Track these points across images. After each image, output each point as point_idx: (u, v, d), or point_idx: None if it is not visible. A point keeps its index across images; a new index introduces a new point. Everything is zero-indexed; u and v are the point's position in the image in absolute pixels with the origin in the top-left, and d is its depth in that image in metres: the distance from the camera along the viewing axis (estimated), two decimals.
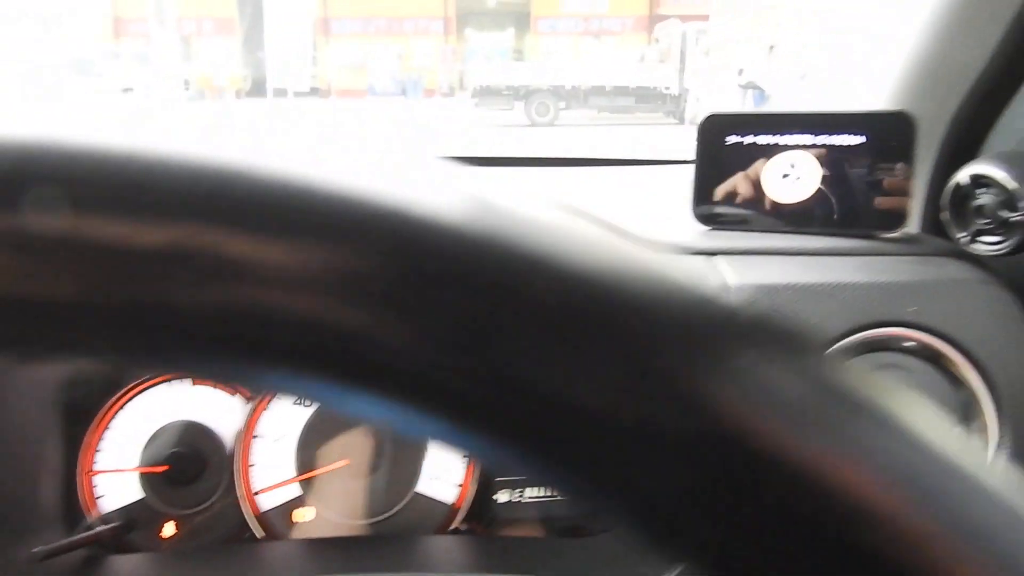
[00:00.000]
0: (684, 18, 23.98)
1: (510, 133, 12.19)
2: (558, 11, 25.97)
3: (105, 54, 18.71)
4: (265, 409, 0.71)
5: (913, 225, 0.81)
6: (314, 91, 9.66)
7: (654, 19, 25.35)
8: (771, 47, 5.75)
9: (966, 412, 0.66)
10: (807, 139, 0.75)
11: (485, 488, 0.74)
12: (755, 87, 4.96)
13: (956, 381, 0.66)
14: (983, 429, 0.66)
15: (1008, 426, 0.65)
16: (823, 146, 0.75)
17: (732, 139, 0.77)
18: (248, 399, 0.71)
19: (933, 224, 0.79)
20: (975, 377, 0.66)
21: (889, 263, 0.71)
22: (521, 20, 28.44)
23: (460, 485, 0.73)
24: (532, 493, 0.74)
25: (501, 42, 31.45)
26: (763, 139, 0.76)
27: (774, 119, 0.76)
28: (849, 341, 0.66)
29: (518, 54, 30.48)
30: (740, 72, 5.98)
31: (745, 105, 5.36)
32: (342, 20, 24.50)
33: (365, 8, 22.53)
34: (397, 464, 0.72)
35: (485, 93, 15.32)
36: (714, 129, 0.77)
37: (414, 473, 0.73)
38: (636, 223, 0.78)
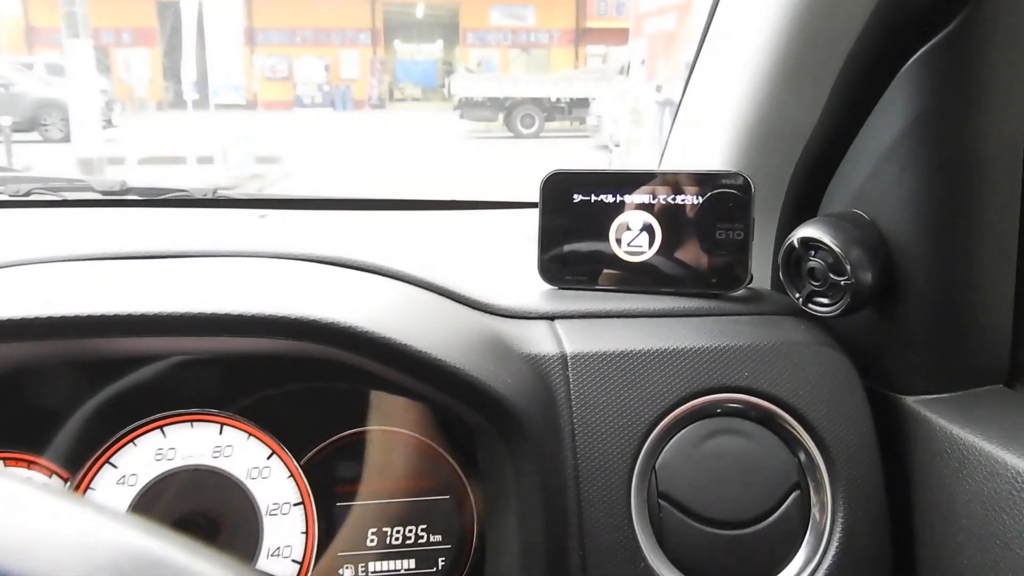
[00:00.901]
0: (609, 32, 24.33)
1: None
2: (486, 23, 26.08)
3: (16, 65, 18.04)
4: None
5: (763, 281, 0.82)
6: (238, 104, 9.50)
7: (580, 33, 25.69)
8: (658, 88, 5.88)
9: (802, 475, 0.66)
10: (649, 198, 0.74)
11: (328, 565, 0.71)
12: (672, 103, 5.03)
13: (792, 444, 0.66)
14: (819, 491, 0.66)
15: (841, 488, 0.65)
16: (665, 205, 0.74)
17: (578, 197, 0.76)
18: (64, 479, 0.67)
19: (777, 281, 0.79)
20: (809, 440, 0.66)
21: (728, 324, 0.71)
22: (449, 32, 28.47)
23: (300, 562, 0.70)
24: (376, 568, 0.71)
25: (430, 53, 31.41)
26: (608, 197, 0.75)
27: (618, 177, 0.76)
28: (684, 408, 0.66)
29: (447, 65, 30.48)
30: (658, 89, 6.06)
31: (663, 123, 5.43)
32: (267, 31, 24.10)
33: (290, 19, 22.23)
34: (234, 540, 0.69)
35: (468, 105, 15.52)
36: (560, 186, 0.77)
37: (253, 550, 0.70)
38: (484, 279, 0.77)
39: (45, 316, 0.55)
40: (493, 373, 0.61)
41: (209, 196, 1.14)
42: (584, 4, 25.44)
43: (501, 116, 15.37)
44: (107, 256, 0.68)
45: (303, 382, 0.69)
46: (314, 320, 0.57)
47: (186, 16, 8.54)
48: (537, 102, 14.98)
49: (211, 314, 0.56)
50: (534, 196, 0.77)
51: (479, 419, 0.62)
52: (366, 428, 0.70)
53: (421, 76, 29.98)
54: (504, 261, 0.88)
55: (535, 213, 0.79)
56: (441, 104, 27.65)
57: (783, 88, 0.74)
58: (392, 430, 0.71)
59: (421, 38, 30.63)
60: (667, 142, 0.98)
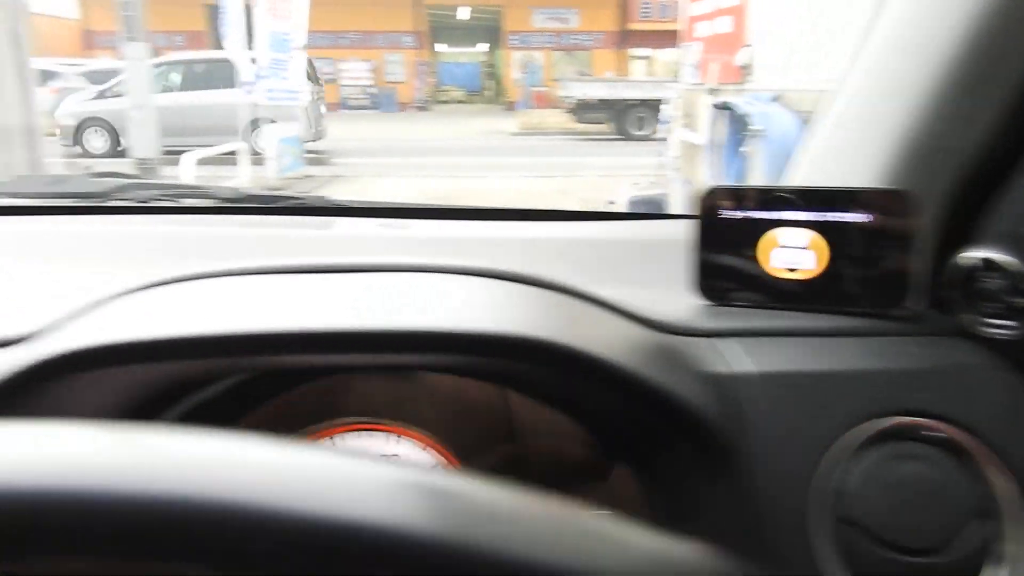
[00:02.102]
0: (652, 35, 24.18)
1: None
2: (529, 26, 26.09)
3: (71, 66, 18.52)
4: None
5: (917, 302, 0.80)
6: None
7: (624, 35, 25.57)
8: (744, 66, 5.79)
9: (985, 507, 0.64)
10: (809, 215, 0.74)
11: None
12: (733, 108, 4.97)
13: (974, 474, 0.65)
14: (1005, 523, 0.64)
15: None
16: (825, 223, 0.73)
17: (735, 212, 0.75)
18: None
19: (935, 301, 0.78)
20: (997, 469, 0.64)
21: (897, 344, 0.69)
22: (492, 34, 28.55)
23: None
24: None
25: (473, 56, 31.51)
26: (766, 213, 0.75)
27: (776, 193, 0.75)
28: (862, 430, 0.64)
29: (490, 68, 30.55)
30: (713, 92, 6.01)
31: (716, 128, 5.37)
32: (313, 34, 24.31)
33: (337, 22, 22.45)
34: None
35: (581, 108, 15.93)
36: (714, 201, 0.76)
37: None
38: (629, 294, 0.76)
39: (247, 333, 0.56)
40: (689, 388, 0.61)
41: (322, 204, 1.15)
42: (627, 6, 25.33)
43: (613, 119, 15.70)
44: (285, 269, 0.69)
45: (473, 394, 0.70)
46: (529, 339, 0.57)
47: (234, 19, 8.64)
48: (647, 103, 15.13)
49: (414, 331, 0.57)
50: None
51: (670, 436, 0.62)
52: (534, 442, 0.70)
53: (465, 78, 30.12)
54: (648, 275, 0.88)
55: (666, 224, 0.78)
56: (485, 106, 27.76)
57: (949, 102, 0.73)
58: (558, 444, 0.71)
59: (465, 41, 30.75)
60: (797, 153, 0.97)
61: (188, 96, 12.32)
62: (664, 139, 7.42)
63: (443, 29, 28.79)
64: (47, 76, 14.22)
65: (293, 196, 1.16)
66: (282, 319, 0.58)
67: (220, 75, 11.77)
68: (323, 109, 13.02)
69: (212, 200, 1.17)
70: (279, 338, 0.56)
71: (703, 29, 7.00)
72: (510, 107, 24.48)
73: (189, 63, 13.24)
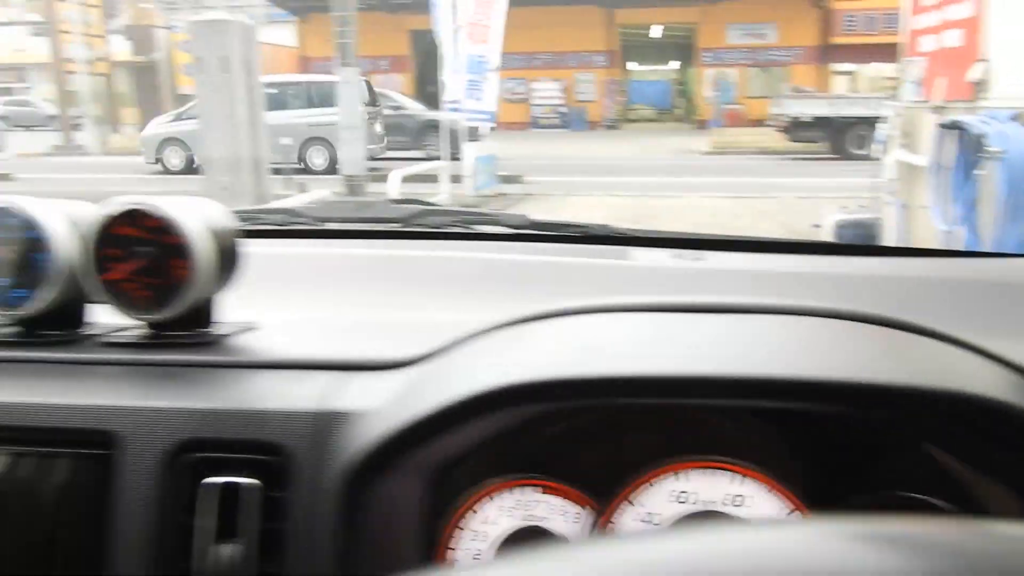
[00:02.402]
0: (856, 49, 22.94)
1: None
2: (723, 43, 25.51)
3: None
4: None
5: None
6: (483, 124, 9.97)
7: (825, 49, 24.44)
8: (977, 82, 5.31)
9: None
10: None
11: None
12: (960, 126, 4.57)
13: None
14: None
15: None
16: None
17: None
18: (595, 510, 0.66)
19: None
20: None
21: None
22: (684, 51, 28.19)
23: None
24: None
25: (664, 74, 31.27)
26: None
27: None
28: None
29: (680, 86, 30.16)
30: (939, 109, 5.57)
31: (943, 149, 4.97)
32: (508, 55, 25.08)
33: (530, 43, 23.01)
34: None
35: (795, 126, 15.34)
36: None
37: None
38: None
39: (660, 376, 0.56)
40: None
41: (607, 233, 1.14)
42: (830, 20, 24.19)
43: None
44: (651, 307, 0.69)
45: (823, 438, 0.65)
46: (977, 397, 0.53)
47: (448, 43, 9.02)
48: (867, 121, 14.46)
49: (811, 381, 0.53)
50: None
51: None
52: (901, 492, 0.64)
53: (656, 97, 29.93)
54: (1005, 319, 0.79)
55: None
56: (674, 125, 27.43)
57: None
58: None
59: (656, 59, 30.58)
60: None
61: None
62: (877, 159, 6.98)
63: (634, 47, 28.78)
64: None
65: (575, 224, 1.16)
66: (682, 362, 0.58)
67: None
68: (379, 128, 14.16)
69: (501, 227, 1.20)
70: (688, 382, 0.57)
71: (928, 43, 6.51)
72: (700, 125, 24.04)
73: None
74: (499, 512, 0.65)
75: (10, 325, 0.79)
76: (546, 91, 25.67)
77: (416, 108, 16.32)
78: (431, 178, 8.93)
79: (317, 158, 14.07)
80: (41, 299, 0.76)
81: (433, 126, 14.53)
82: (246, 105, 8.80)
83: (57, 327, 0.79)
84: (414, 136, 15.36)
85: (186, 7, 18.79)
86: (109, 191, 0.94)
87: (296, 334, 0.80)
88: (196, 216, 0.74)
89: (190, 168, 13.62)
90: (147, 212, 0.73)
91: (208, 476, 0.63)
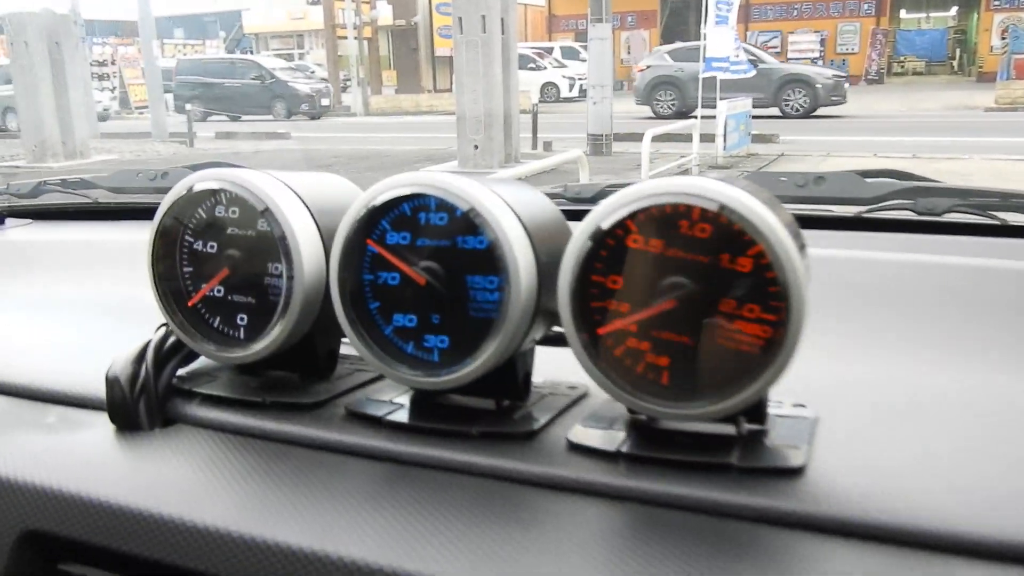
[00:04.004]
0: None
1: None
2: None
3: (536, 50, 20.46)
4: None
5: None
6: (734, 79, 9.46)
7: None
8: None
9: None
10: None
11: None
12: None
13: None
14: None
15: None
16: None
17: None
18: None
19: None
20: None
21: None
22: None
23: None
24: None
25: (940, 21, 28.01)
26: None
27: None
28: None
29: (959, 34, 26.91)
30: None
31: None
32: (763, 7, 23.67)
33: None
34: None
35: None
36: None
37: None
38: None
39: None
40: None
41: None
42: None
43: None
44: None
45: None
46: None
47: None
48: None
49: None
50: None
51: None
52: None
53: (927, 47, 26.92)
54: None
55: None
56: (948, 78, 24.58)
57: None
58: None
59: (932, 4, 27.45)
60: None
61: None
62: None
63: None
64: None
65: None
66: None
67: None
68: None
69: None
70: None
71: None
72: (981, 78, 21.32)
73: None
74: None
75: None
76: (803, 43, 23.91)
77: (772, 62, 15.52)
78: (685, 137, 8.61)
79: None
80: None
81: (794, 81, 14.26)
82: (501, 64, 8.99)
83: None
84: (773, 92, 14.60)
85: None
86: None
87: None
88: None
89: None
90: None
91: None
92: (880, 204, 0.98)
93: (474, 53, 8.76)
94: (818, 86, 14.45)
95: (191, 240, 0.60)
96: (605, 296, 0.48)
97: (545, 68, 21.48)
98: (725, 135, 8.75)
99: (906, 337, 0.68)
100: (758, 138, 10.24)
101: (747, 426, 0.49)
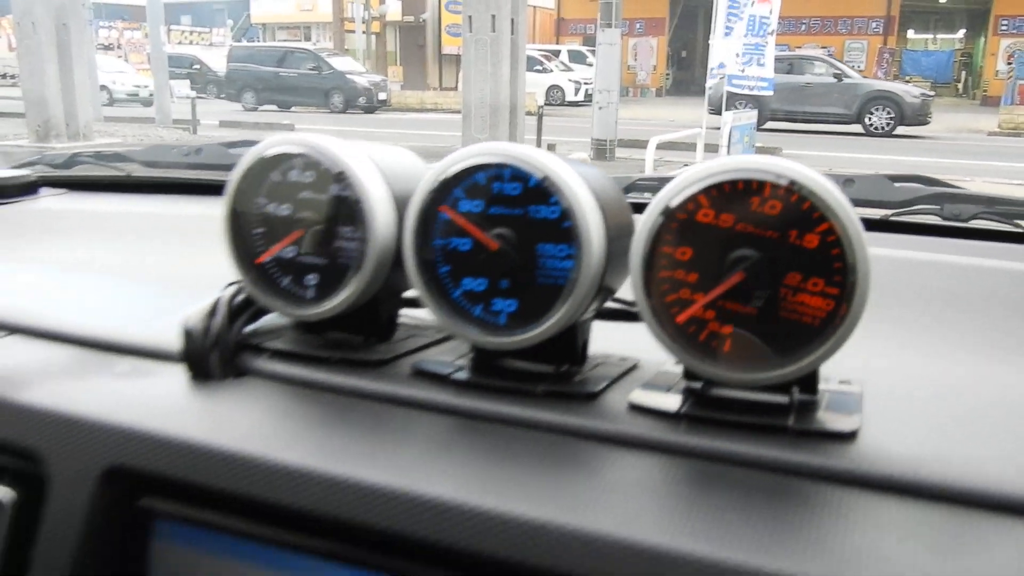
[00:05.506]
0: None
1: None
2: None
3: (543, 52, 20.49)
4: None
5: None
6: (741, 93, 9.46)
7: None
8: None
9: None
10: None
11: None
12: None
13: None
14: None
15: None
16: None
17: None
18: None
19: None
20: None
21: None
22: (975, 19, 25.16)
23: None
24: None
25: (947, 43, 28.13)
26: None
27: None
28: None
29: (965, 57, 27.04)
30: None
31: None
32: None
33: (797, 7, 21.56)
34: None
35: None
36: None
37: None
38: None
39: None
40: None
41: None
42: None
43: None
44: None
45: None
46: None
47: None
48: None
49: None
50: None
51: None
52: None
53: (933, 68, 27.03)
54: None
55: None
56: (953, 100, 24.68)
57: None
58: None
59: (940, 27, 27.60)
60: None
61: None
62: None
63: (917, 13, 26.11)
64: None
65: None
66: None
67: None
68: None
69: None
70: None
71: None
72: (986, 102, 21.43)
73: None
74: None
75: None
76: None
77: (858, 77, 15.15)
78: (688, 146, 8.65)
79: None
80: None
81: (880, 97, 13.56)
82: (509, 63, 9.03)
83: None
84: (857, 109, 14.21)
85: None
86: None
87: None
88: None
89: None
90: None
91: None
92: (907, 208, 1.01)
93: (483, 52, 8.79)
94: (905, 105, 13.93)
95: (264, 201, 0.62)
96: (674, 267, 0.51)
97: (551, 71, 21.53)
98: (729, 145, 8.79)
99: (933, 330, 0.71)
100: (761, 151, 10.30)
101: (799, 396, 0.52)
